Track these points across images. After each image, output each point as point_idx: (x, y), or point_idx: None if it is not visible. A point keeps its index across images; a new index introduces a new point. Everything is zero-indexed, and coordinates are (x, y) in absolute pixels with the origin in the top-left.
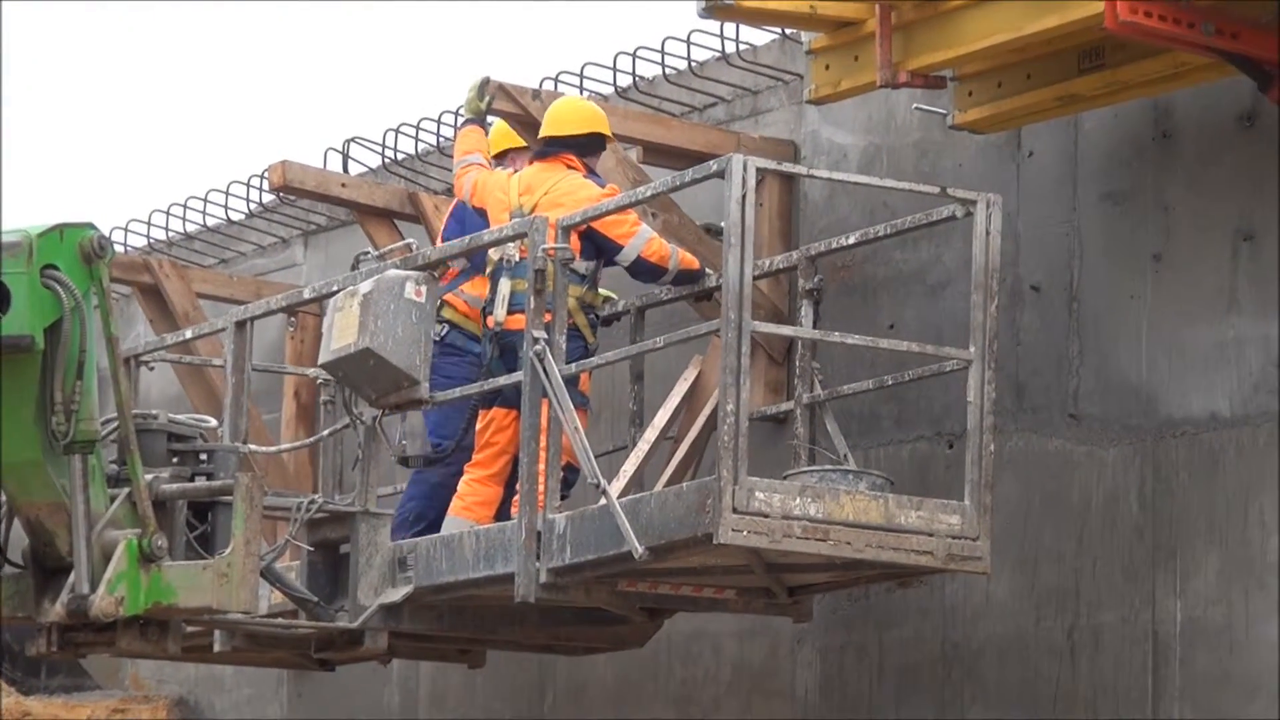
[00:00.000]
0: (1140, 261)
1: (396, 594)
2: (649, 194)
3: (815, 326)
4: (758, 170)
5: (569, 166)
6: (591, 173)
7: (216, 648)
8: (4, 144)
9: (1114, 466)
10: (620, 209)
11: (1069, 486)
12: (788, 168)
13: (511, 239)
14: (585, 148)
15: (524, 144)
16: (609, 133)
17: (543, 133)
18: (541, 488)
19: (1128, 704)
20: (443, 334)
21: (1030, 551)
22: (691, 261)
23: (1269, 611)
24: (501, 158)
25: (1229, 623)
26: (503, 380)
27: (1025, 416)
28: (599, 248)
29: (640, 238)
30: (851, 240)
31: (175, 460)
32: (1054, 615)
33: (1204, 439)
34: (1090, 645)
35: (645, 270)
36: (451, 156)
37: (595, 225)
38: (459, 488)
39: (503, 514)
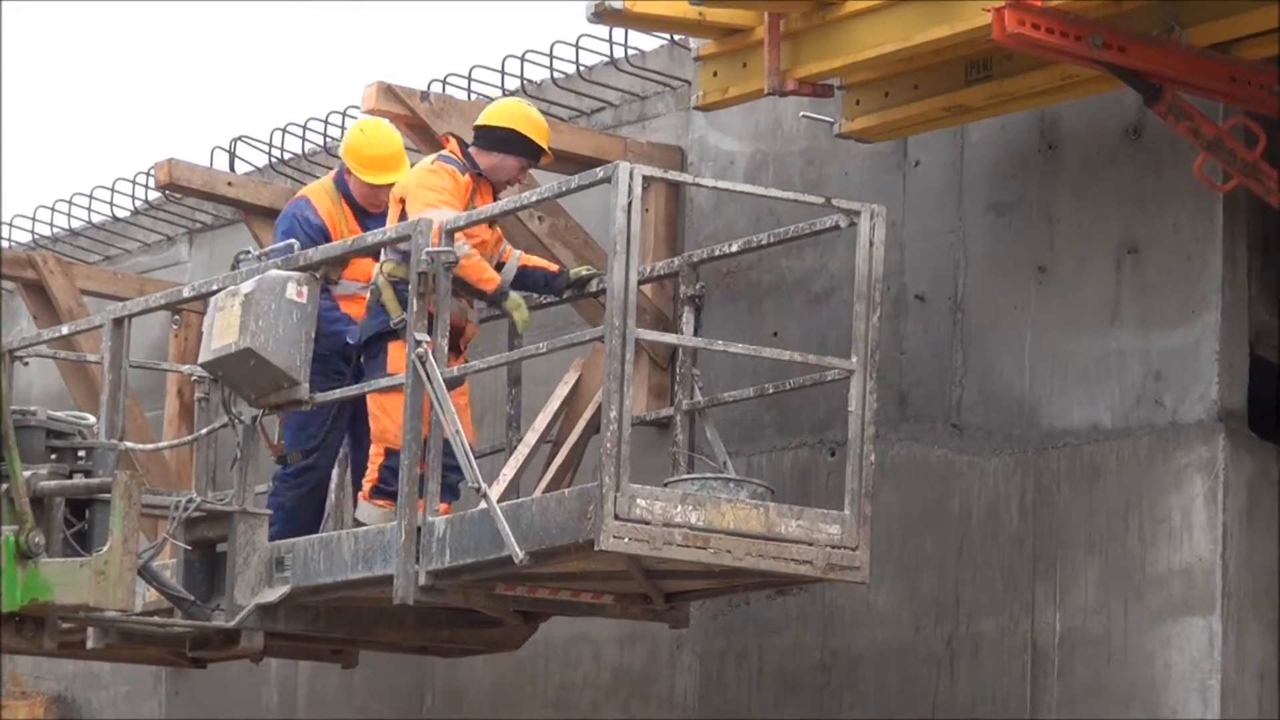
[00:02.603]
0: (1025, 272)
1: (273, 594)
2: (535, 198)
3: (696, 333)
4: (644, 178)
5: (444, 152)
6: (465, 158)
7: (90, 644)
8: None
9: (995, 477)
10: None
11: (950, 496)
12: (674, 176)
13: (395, 240)
14: (484, 139)
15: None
16: (524, 131)
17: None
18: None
19: (1006, 713)
20: None
21: (911, 560)
22: (536, 261)
23: (1147, 623)
24: None
25: (1107, 633)
26: (384, 382)
27: (908, 425)
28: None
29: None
30: (734, 248)
31: (54, 457)
32: (934, 624)
33: (1085, 450)
34: (969, 654)
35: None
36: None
37: (408, 199)
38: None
39: None
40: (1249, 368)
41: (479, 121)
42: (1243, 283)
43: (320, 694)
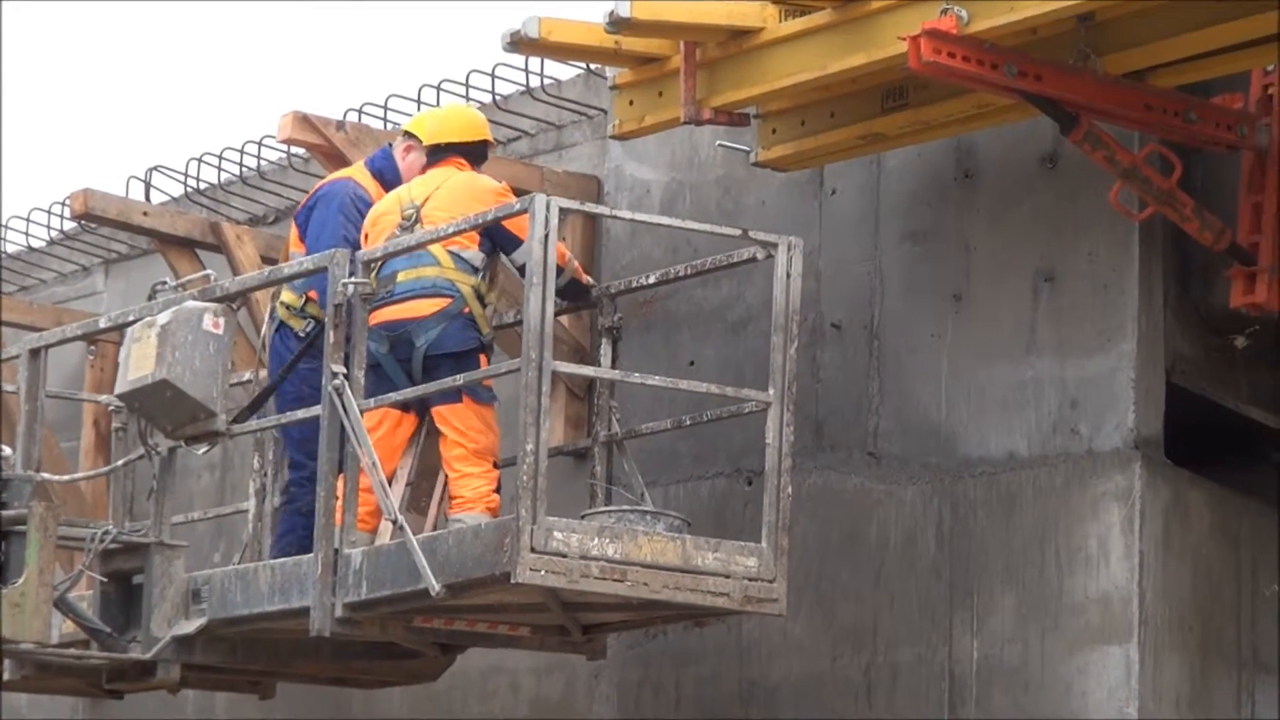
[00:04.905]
0: (941, 301)
1: (190, 626)
2: (452, 230)
3: (614, 364)
4: (561, 209)
5: (459, 168)
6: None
7: (5, 676)
8: None
9: (912, 505)
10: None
11: (867, 525)
12: (590, 208)
13: (310, 273)
14: (472, 155)
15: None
16: (492, 141)
17: (432, 139)
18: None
19: None
20: (308, 329)
21: (828, 589)
22: (583, 274)
23: (1064, 651)
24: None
25: (1025, 662)
26: (301, 414)
27: (824, 454)
28: (495, 242)
29: None
30: (652, 280)
31: None
32: (851, 653)
33: (1002, 479)
34: (887, 684)
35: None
36: (253, 187)
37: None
38: None
39: None
40: (1165, 395)
41: (469, 138)
42: (1159, 310)
43: None
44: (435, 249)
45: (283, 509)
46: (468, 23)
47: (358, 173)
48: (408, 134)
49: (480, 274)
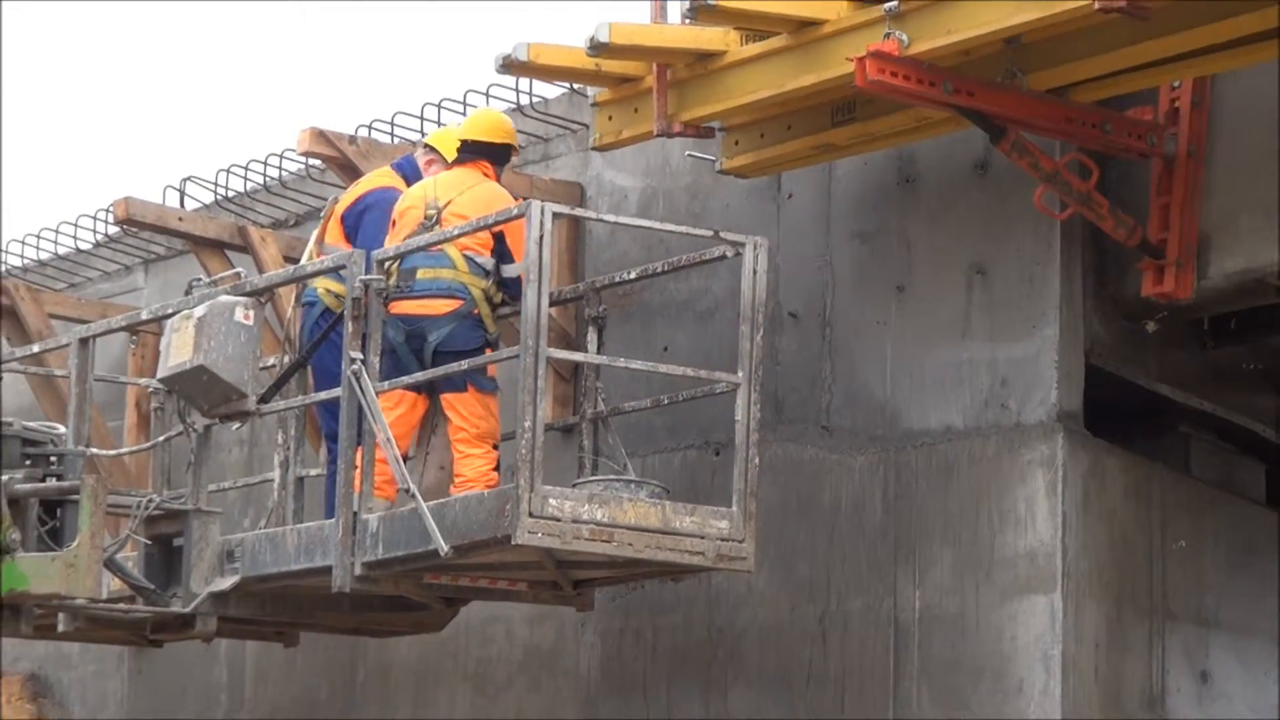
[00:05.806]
0: (885, 292)
1: (225, 583)
2: (457, 233)
3: (600, 350)
4: (554, 214)
5: (485, 175)
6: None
7: (61, 628)
8: None
9: (861, 473)
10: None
11: (821, 490)
12: (581, 213)
13: (331, 269)
14: (497, 157)
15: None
16: (517, 147)
17: (464, 135)
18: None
19: (872, 683)
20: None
21: (787, 547)
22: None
23: (996, 601)
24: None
25: (961, 611)
26: (322, 396)
27: (783, 428)
28: (500, 252)
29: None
30: (634, 275)
31: (28, 463)
32: (807, 604)
33: (940, 449)
34: (839, 631)
35: (515, 292)
36: (276, 194)
37: (508, 232)
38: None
39: None
40: (1084, 374)
41: (494, 139)
42: (1079, 300)
43: (265, 671)
44: (452, 253)
45: (330, 475)
46: (467, 41)
47: (393, 179)
48: (428, 146)
49: (490, 278)
